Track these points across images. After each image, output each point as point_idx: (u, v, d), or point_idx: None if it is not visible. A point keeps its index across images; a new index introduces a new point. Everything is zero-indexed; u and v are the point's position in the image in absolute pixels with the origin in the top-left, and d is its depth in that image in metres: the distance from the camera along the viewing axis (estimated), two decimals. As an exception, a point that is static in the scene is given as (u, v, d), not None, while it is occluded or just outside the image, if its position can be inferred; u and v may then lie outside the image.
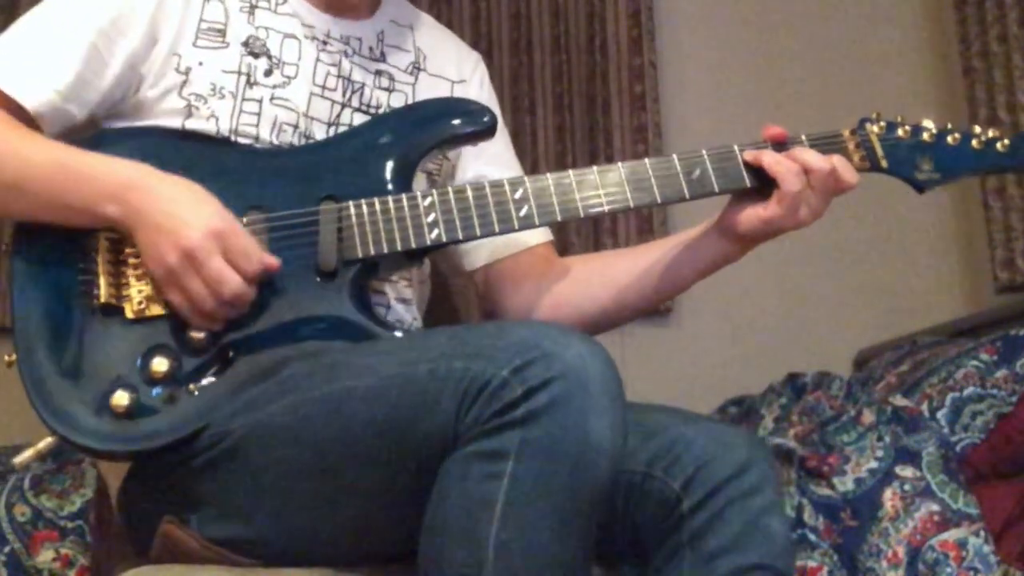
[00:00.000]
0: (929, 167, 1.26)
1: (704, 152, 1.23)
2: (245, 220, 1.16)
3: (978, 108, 2.94)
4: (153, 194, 1.12)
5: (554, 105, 3.17)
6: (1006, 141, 1.27)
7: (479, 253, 1.40)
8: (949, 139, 1.27)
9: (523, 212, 1.20)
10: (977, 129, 1.29)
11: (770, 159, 1.20)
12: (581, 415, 0.93)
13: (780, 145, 1.23)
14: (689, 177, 1.22)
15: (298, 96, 1.27)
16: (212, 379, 1.12)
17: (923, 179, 1.26)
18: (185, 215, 1.11)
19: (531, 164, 3.08)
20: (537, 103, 3.17)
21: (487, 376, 0.95)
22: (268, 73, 1.26)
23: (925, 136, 1.27)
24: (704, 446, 1.09)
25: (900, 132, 1.27)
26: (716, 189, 1.22)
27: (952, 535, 1.81)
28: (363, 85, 1.33)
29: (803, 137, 1.25)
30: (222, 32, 1.26)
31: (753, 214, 1.21)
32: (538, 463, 0.93)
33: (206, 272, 1.09)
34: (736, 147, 1.23)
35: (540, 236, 1.40)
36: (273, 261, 1.13)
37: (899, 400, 2.09)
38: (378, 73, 1.35)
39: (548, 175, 1.22)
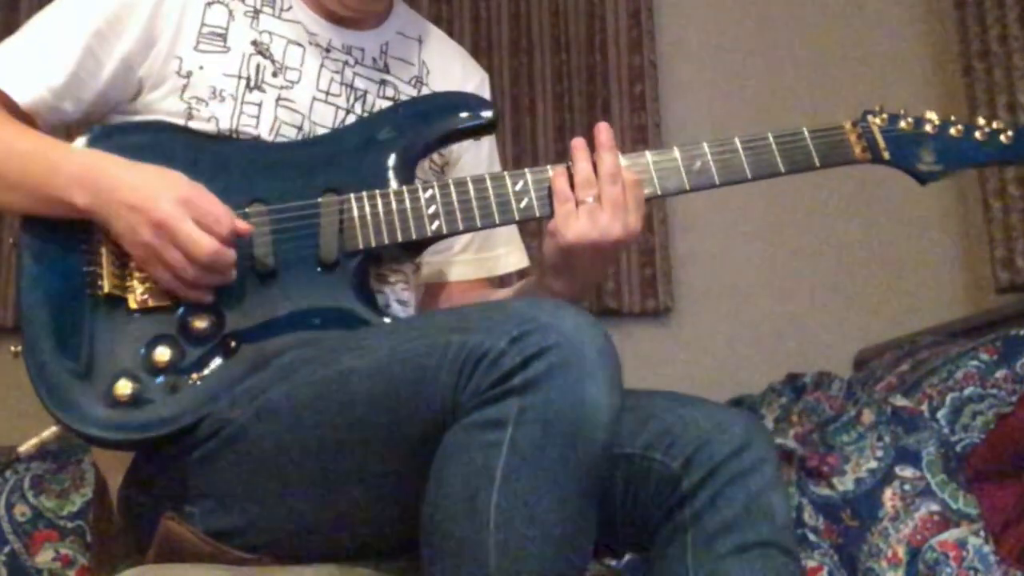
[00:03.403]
0: (931, 159, 1.26)
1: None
2: (248, 212, 1.17)
3: (978, 108, 2.93)
4: (112, 176, 1.14)
5: (554, 105, 3.17)
6: (1010, 133, 1.27)
7: (465, 268, 1.43)
8: (952, 131, 1.27)
9: (523, 204, 1.21)
10: (981, 121, 1.28)
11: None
12: (578, 382, 0.94)
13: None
14: (690, 169, 1.23)
15: (301, 100, 1.28)
16: (215, 369, 1.13)
17: (925, 171, 1.26)
18: (151, 188, 1.12)
19: (531, 164, 3.07)
20: (537, 103, 3.17)
21: (485, 347, 0.96)
22: (275, 75, 1.27)
23: (928, 128, 1.27)
24: (702, 426, 1.10)
25: (903, 124, 1.27)
26: (717, 181, 1.23)
27: (952, 535, 1.81)
28: (365, 92, 1.33)
29: (804, 130, 1.25)
30: (223, 36, 1.27)
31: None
32: (536, 429, 0.93)
33: (180, 239, 1.10)
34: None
35: (521, 264, 1.45)
36: (244, 226, 1.14)
37: (899, 400, 2.08)
38: (382, 83, 1.36)
39: (548, 167, 1.23)
